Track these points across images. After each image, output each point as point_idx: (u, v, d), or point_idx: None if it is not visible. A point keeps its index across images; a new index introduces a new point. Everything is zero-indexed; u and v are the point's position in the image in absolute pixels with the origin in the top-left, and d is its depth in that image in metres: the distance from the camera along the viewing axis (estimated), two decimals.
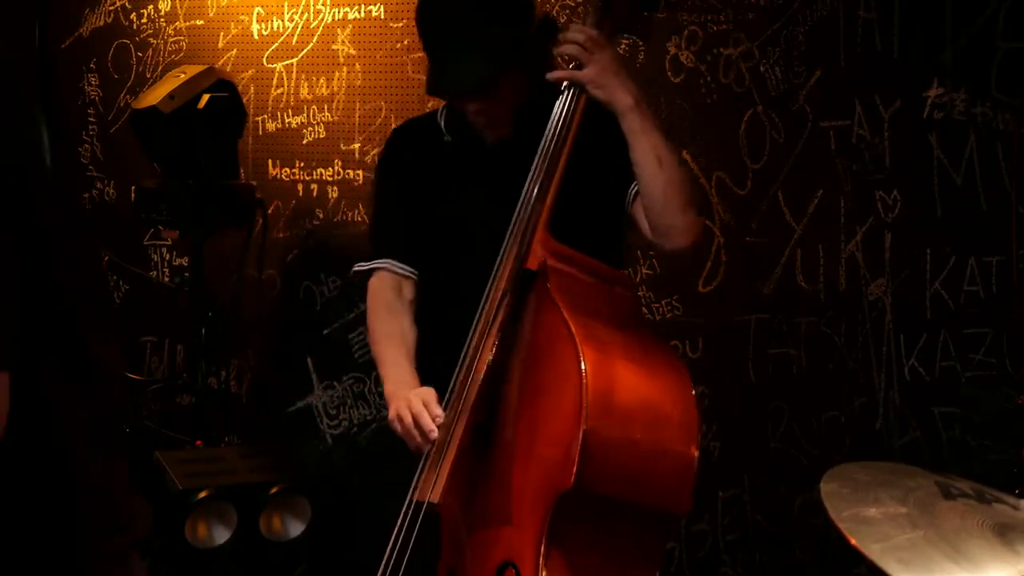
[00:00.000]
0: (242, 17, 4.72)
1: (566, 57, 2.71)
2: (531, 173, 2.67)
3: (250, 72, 4.78)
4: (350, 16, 4.56)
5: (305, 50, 4.69)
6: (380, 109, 4.56)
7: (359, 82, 4.54)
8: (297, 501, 3.80)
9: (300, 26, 4.61)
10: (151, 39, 4.79)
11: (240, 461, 3.82)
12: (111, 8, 4.85)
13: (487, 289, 2.64)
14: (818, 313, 3.92)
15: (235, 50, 4.77)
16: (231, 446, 4.28)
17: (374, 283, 2.96)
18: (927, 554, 1.94)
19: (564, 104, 2.69)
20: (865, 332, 3.87)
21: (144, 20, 4.81)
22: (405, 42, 4.45)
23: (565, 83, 2.70)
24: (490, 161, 2.88)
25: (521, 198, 2.67)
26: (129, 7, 4.83)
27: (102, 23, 4.88)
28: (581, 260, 2.66)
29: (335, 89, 4.65)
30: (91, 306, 1.90)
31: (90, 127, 4.92)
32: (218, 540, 3.66)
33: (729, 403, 4.05)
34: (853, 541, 1.94)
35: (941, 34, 3.73)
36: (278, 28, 4.69)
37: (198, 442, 4.14)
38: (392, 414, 2.74)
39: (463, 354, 2.63)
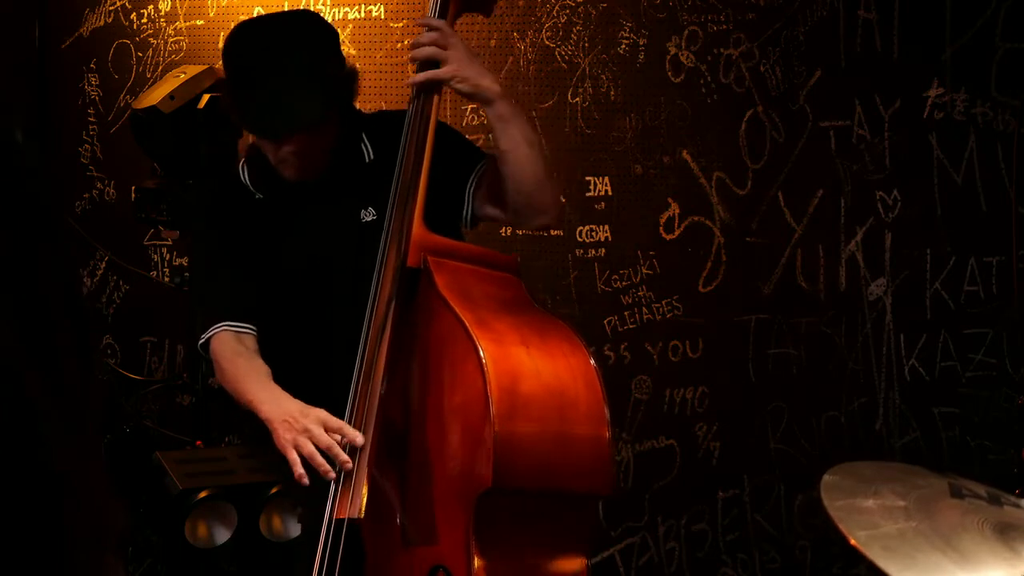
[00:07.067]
0: (242, 17, 4.70)
1: (419, 60, 2.69)
2: (395, 176, 2.65)
3: None
4: (350, 16, 4.55)
5: None
6: (380, 109, 4.55)
7: (359, 82, 4.54)
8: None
9: None
10: (151, 39, 4.79)
11: (240, 461, 3.82)
12: (111, 8, 4.85)
13: (371, 298, 2.59)
14: (818, 313, 3.92)
15: None
16: (231, 446, 4.27)
17: (215, 345, 2.80)
18: (915, 544, 1.93)
19: (419, 106, 2.67)
20: (865, 332, 3.87)
21: (144, 20, 4.81)
22: (405, 42, 4.45)
23: (416, 90, 2.69)
24: (310, 202, 2.80)
25: (389, 202, 2.64)
26: (129, 7, 4.83)
27: (102, 23, 4.88)
28: (462, 249, 2.65)
29: None
30: (64, 297, 1.89)
31: (90, 127, 4.92)
32: (218, 540, 3.66)
33: (729, 403, 4.05)
34: (838, 525, 1.92)
35: (941, 34, 3.73)
36: None
37: (198, 442, 4.13)
38: (288, 445, 2.56)
39: (358, 366, 2.57)
